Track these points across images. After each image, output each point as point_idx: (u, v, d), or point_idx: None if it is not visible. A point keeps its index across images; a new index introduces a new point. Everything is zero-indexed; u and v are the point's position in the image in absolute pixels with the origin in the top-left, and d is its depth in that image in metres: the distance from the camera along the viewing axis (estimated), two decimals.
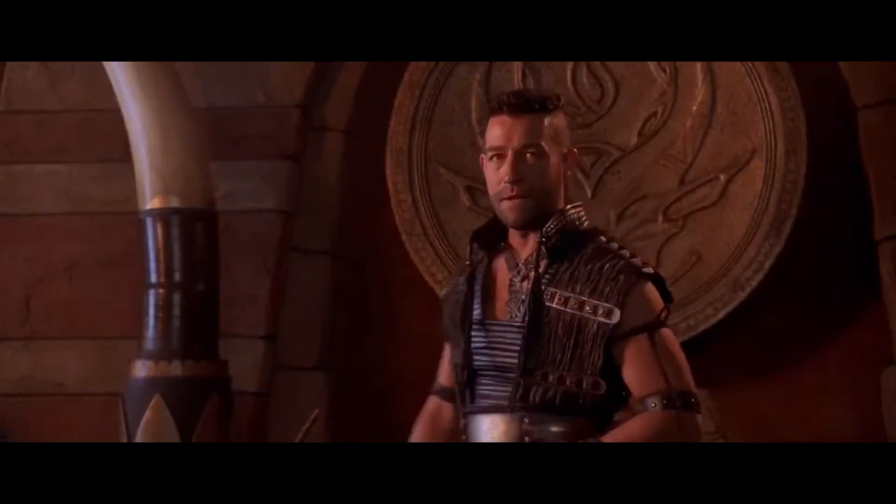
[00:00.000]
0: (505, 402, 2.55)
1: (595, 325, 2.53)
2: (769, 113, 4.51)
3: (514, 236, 2.64)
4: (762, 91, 4.52)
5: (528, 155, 2.55)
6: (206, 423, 4.10)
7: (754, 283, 4.45)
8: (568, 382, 2.53)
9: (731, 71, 4.57)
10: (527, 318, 2.54)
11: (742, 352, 4.52)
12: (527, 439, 2.53)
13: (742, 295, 4.45)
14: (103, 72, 4.34)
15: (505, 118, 2.57)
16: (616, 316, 2.52)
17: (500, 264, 2.65)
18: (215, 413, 4.13)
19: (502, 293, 2.61)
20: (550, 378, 2.53)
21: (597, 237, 2.62)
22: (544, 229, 2.57)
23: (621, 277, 2.54)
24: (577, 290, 2.54)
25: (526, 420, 2.54)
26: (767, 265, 4.45)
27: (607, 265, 2.56)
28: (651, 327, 2.53)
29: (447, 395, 2.78)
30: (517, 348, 2.54)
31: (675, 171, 4.59)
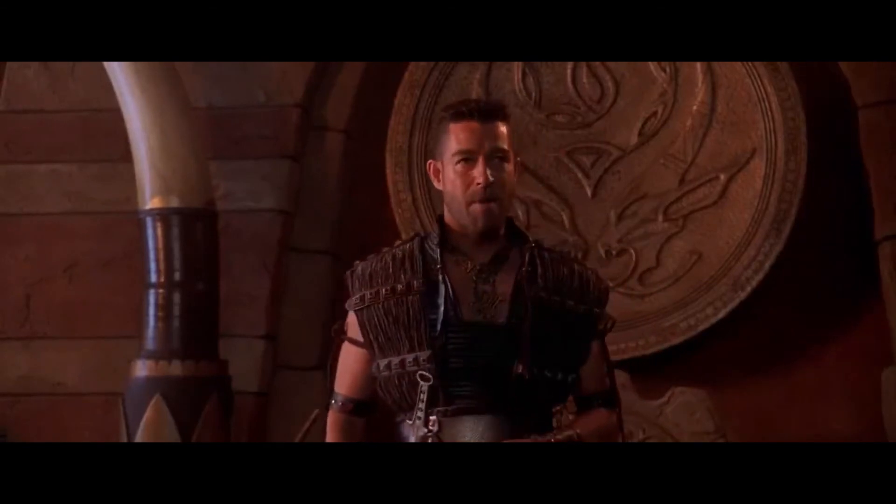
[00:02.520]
0: (496, 404, 2.56)
1: (586, 325, 2.67)
2: (769, 112, 4.51)
3: (467, 238, 2.66)
4: (762, 91, 4.52)
5: (496, 159, 2.62)
6: (206, 423, 4.10)
7: (754, 282, 4.45)
8: (558, 378, 2.61)
9: (732, 71, 4.57)
10: (529, 320, 2.57)
11: (742, 351, 4.52)
12: (532, 436, 2.55)
13: (742, 294, 4.45)
14: (103, 72, 4.34)
15: (474, 124, 2.62)
16: (603, 317, 2.70)
17: (452, 268, 2.65)
18: (215, 413, 4.13)
19: (464, 296, 2.62)
20: (547, 375, 2.59)
21: (542, 245, 2.71)
22: (532, 239, 2.69)
23: (601, 285, 2.72)
24: (565, 292, 2.64)
25: (525, 418, 2.56)
26: (767, 265, 4.45)
27: (585, 272, 2.71)
28: (603, 333, 2.72)
29: (361, 408, 2.73)
30: (509, 348, 2.56)
31: (676, 171, 4.59)
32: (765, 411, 4.48)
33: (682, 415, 4.30)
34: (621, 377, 2.85)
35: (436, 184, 2.71)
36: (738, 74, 4.56)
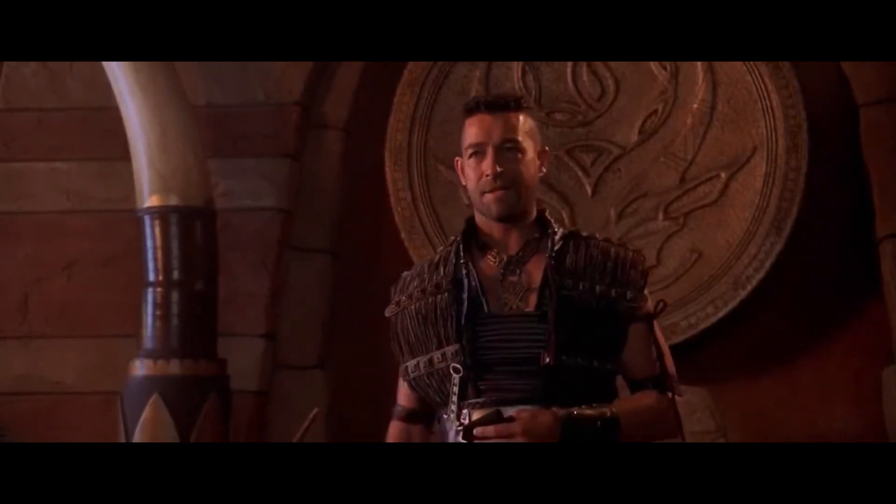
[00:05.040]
0: (526, 395, 2.53)
1: (622, 309, 2.61)
2: (770, 110, 4.50)
3: (494, 233, 2.67)
4: (763, 88, 4.52)
5: (507, 149, 2.61)
6: (205, 423, 4.09)
7: (755, 281, 4.44)
8: (594, 366, 2.57)
9: (732, 68, 4.56)
10: (552, 306, 2.55)
11: (743, 350, 4.51)
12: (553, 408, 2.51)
13: (743, 293, 4.44)
14: (102, 70, 4.33)
15: (483, 117, 2.63)
16: (641, 299, 2.63)
17: (482, 263, 2.66)
18: (214, 412, 4.13)
19: (493, 289, 2.62)
20: (579, 364, 2.55)
21: (580, 235, 2.70)
22: (553, 226, 2.66)
23: (639, 266, 2.66)
24: (598, 278, 2.61)
25: (560, 407, 2.52)
26: (768, 263, 4.44)
27: (621, 255, 2.66)
28: (651, 316, 2.65)
29: (415, 417, 2.74)
30: (537, 337, 2.55)
31: (676, 169, 4.58)
32: (766, 410, 4.47)
33: (682, 414, 4.29)
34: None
35: (462, 181, 2.72)
36: (739, 72, 4.55)
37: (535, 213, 2.69)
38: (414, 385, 2.68)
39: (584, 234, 2.70)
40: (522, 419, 2.44)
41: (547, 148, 2.73)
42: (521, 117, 2.64)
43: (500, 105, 2.64)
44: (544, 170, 2.71)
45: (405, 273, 2.79)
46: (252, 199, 4.59)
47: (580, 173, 4.62)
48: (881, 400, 4.37)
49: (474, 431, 2.44)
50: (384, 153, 4.70)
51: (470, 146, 2.63)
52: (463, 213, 4.52)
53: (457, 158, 2.73)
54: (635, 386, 2.65)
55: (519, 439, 2.43)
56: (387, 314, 2.76)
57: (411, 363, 2.67)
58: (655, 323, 2.66)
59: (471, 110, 2.66)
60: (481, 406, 2.55)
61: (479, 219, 2.69)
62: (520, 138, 2.62)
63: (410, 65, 4.68)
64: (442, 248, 2.76)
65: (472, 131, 2.64)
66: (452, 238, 2.75)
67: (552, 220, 2.69)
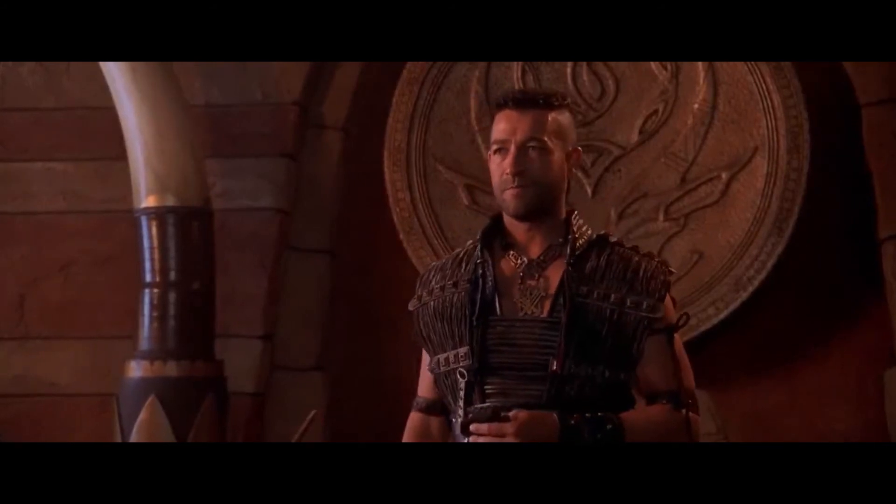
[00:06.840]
0: (533, 400, 2.48)
1: (638, 319, 2.54)
2: (771, 110, 4.48)
3: (517, 233, 2.62)
4: (764, 88, 4.50)
5: (530, 148, 2.56)
6: (202, 424, 4.07)
7: (756, 282, 4.42)
8: (606, 376, 2.52)
9: (733, 68, 4.54)
10: (565, 313, 2.50)
11: (744, 351, 4.49)
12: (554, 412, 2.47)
13: (744, 294, 4.43)
14: (99, 70, 4.32)
15: (510, 113, 2.58)
16: (660, 310, 2.54)
17: (503, 263, 2.62)
18: (211, 413, 4.11)
19: (510, 291, 2.58)
20: (588, 373, 2.51)
21: (608, 240, 2.64)
22: (575, 228, 2.60)
23: (660, 276, 2.58)
24: (615, 286, 2.55)
25: (569, 416, 2.47)
26: (769, 264, 4.42)
27: (643, 264, 2.59)
28: (672, 329, 2.58)
29: (434, 408, 2.71)
30: (547, 343, 2.51)
31: (677, 170, 4.56)
32: (767, 412, 4.46)
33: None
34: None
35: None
36: (740, 72, 4.53)
37: (562, 216, 2.62)
38: (436, 383, 2.64)
39: (613, 239, 2.64)
40: (518, 420, 2.40)
41: (579, 148, 2.66)
42: (551, 116, 2.58)
43: (528, 102, 2.59)
44: (574, 170, 2.66)
45: (432, 264, 2.75)
46: (250, 199, 4.58)
47: (580, 173, 4.60)
48: (883, 402, 4.36)
49: (470, 428, 2.42)
50: (383, 153, 4.68)
51: (494, 142, 2.59)
52: (463, 214, 4.57)
53: (488, 152, 2.67)
54: (650, 400, 2.58)
55: (510, 439, 2.40)
56: (410, 308, 2.71)
57: (432, 361, 2.64)
58: (676, 336, 2.58)
59: (499, 105, 2.61)
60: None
61: (505, 218, 2.63)
62: (545, 137, 2.55)
63: (409, 64, 4.67)
64: (470, 241, 2.69)
65: (498, 127, 2.58)
66: (480, 233, 2.69)
67: (578, 224, 2.62)
